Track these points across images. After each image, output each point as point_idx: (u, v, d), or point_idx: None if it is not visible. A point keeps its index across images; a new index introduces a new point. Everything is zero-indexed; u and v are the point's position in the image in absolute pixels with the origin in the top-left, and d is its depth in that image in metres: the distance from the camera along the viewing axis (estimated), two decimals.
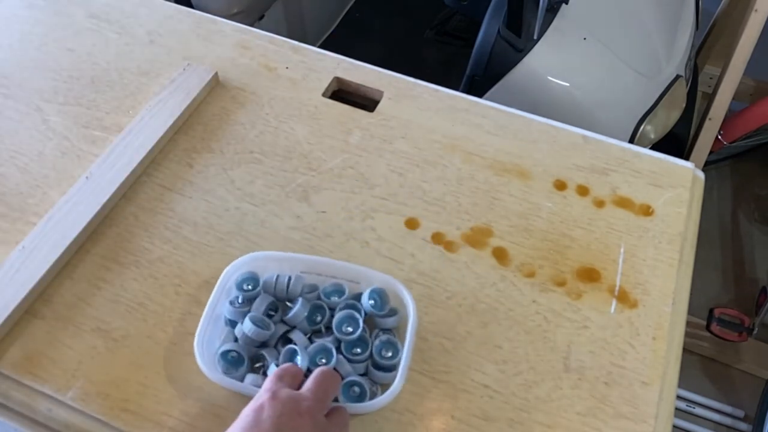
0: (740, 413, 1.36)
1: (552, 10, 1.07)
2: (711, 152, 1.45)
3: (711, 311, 1.38)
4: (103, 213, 0.60)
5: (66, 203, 0.60)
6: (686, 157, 1.30)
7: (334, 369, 0.48)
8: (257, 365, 0.50)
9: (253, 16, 1.41)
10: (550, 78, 1.06)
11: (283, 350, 0.50)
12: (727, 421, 1.35)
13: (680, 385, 0.83)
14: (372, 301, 0.52)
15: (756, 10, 1.18)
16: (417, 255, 0.59)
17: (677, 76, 1.16)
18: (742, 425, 1.34)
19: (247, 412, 0.41)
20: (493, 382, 0.52)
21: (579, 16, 1.09)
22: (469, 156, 0.66)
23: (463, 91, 0.73)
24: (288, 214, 0.62)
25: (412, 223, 0.61)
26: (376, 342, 0.51)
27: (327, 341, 0.50)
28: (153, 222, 0.61)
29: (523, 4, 1.02)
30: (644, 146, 0.80)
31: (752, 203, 1.71)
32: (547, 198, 0.63)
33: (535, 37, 1.05)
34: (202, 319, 0.50)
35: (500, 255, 0.59)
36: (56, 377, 0.51)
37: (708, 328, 1.37)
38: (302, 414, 0.41)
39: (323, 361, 0.49)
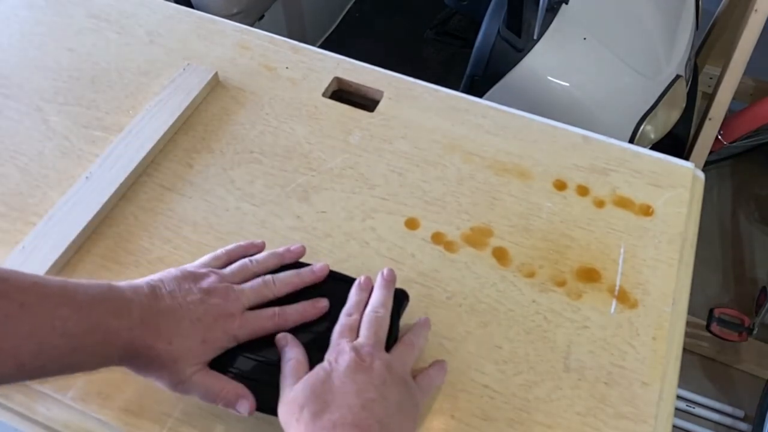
0: (740, 413, 1.36)
1: (552, 10, 1.07)
2: (711, 152, 1.45)
3: (711, 311, 1.38)
4: (103, 213, 0.60)
5: (66, 203, 0.60)
6: (686, 157, 1.30)
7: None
8: None
9: (253, 16, 1.41)
10: (550, 78, 1.06)
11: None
12: (727, 421, 1.35)
13: (680, 385, 0.83)
14: None
15: (756, 10, 1.18)
16: (417, 255, 0.59)
17: (677, 76, 1.16)
18: (742, 425, 1.34)
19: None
20: (493, 382, 0.52)
21: (579, 16, 1.09)
22: (469, 156, 0.66)
23: (463, 91, 0.73)
24: (288, 214, 0.62)
25: (412, 223, 0.61)
26: None
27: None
28: (153, 222, 0.61)
29: (523, 4, 1.02)
30: (644, 146, 0.80)
31: (752, 203, 1.72)
32: (547, 198, 0.63)
33: (535, 37, 1.05)
34: None
35: (500, 255, 0.59)
36: (56, 377, 0.51)
37: (708, 328, 1.37)
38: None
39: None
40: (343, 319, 0.49)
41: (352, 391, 0.42)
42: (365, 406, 0.41)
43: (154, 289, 0.45)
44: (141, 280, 0.46)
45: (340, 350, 0.45)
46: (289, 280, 0.51)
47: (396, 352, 0.48)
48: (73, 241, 0.58)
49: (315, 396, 0.42)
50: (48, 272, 0.56)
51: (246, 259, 0.52)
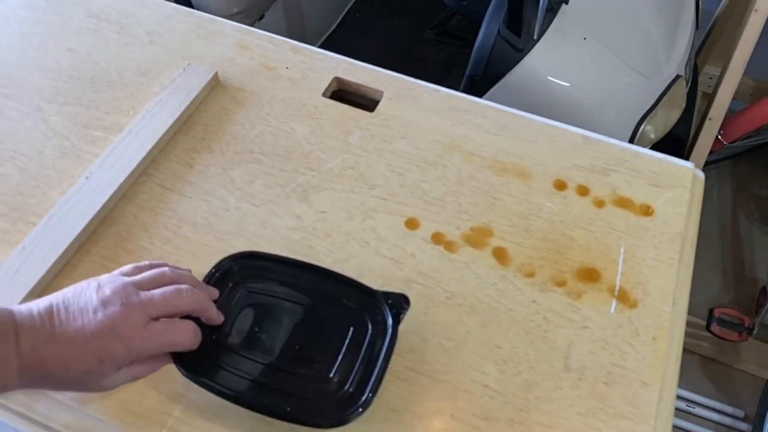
0: (740, 413, 1.36)
1: (552, 10, 1.07)
2: (711, 152, 1.45)
3: (711, 311, 1.38)
4: (103, 213, 0.60)
5: (66, 203, 0.60)
6: (686, 157, 1.30)
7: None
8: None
9: (253, 16, 1.41)
10: (550, 78, 1.06)
11: None
12: (727, 421, 1.35)
13: (680, 385, 0.83)
14: None
15: (756, 10, 1.18)
16: (417, 255, 0.59)
17: (677, 76, 1.16)
18: (742, 425, 1.34)
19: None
20: (493, 382, 0.52)
21: (579, 16, 1.09)
22: (469, 156, 0.66)
23: (463, 91, 0.73)
24: (288, 214, 0.62)
25: (412, 223, 0.61)
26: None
27: None
28: (153, 222, 0.61)
29: (523, 4, 1.02)
30: (644, 146, 0.80)
31: (752, 203, 1.71)
32: (547, 198, 0.63)
33: (535, 37, 1.05)
34: None
35: (500, 255, 0.59)
36: None
37: (708, 328, 1.37)
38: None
39: None
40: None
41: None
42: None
43: (50, 309, 0.42)
44: (44, 298, 0.43)
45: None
46: (205, 296, 0.48)
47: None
48: (73, 241, 0.58)
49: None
50: (48, 272, 0.56)
51: (166, 268, 0.48)
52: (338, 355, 0.49)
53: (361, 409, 0.46)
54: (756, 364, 1.41)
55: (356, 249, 0.59)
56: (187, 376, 0.47)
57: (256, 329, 0.50)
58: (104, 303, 0.42)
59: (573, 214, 0.62)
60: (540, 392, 0.51)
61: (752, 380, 1.40)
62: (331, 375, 0.48)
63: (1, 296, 0.54)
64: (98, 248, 0.59)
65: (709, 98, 1.40)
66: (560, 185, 0.64)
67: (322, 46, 0.96)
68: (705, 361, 1.44)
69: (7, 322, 0.41)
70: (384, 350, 0.49)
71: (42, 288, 0.55)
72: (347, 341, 0.50)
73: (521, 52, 1.05)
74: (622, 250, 0.60)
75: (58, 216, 0.59)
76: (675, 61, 1.18)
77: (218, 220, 0.61)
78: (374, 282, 0.54)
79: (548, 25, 1.06)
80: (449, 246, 0.60)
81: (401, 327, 0.50)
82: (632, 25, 1.16)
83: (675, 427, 0.69)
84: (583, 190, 0.64)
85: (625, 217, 0.62)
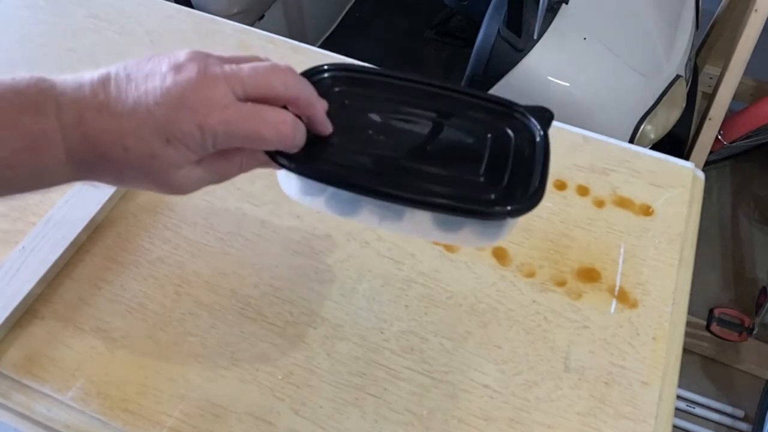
0: (740, 413, 1.36)
1: (552, 10, 1.07)
2: (711, 152, 1.45)
3: (711, 311, 1.38)
4: (103, 213, 0.60)
5: (66, 203, 0.60)
6: (686, 157, 1.30)
7: None
8: None
9: (253, 16, 1.41)
10: (550, 78, 1.06)
11: None
12: (727, 421, 1.36)
13: (680, 385, 0.83)
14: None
15: (756, 10, 1.18)
16: (417, 255, 0.59)
17: (677, 76, 1.16)
18: (742, 425, 1.35)
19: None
20: (493, 382, 0.52)
21: (579, 16, 1.09)
22: None
23: None
24: (288, 214, 0.62)
25: None
26: None
27: None
28: (153, 222, 0.61)
29: (523, 4, 1.02)
30: (644, 146, 0.80)
31: (752, 203, 1.72)
32: (547, 198, 0.63)
33: (535, 37, 1.05)
34: None
35: (500, 255, 0.59)
36: (56, 377, 0.51)
37: (708, 328, 1.37)
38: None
39: None
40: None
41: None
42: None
43: (106, 77, 0.34)
44: (101, 69, 0.35)
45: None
46: (312, 88, 0.37)
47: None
48: (73, 241, 0.58)
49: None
50: (48, 272, 0.56)
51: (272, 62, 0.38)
52: (481, 156, 0.41)
53: (537, 196, 0.39)
54: (756, 364, 1.42)
55: (356, 249, 0.59)
56: (293, 169, 0.38)
57: (371, 134, 0.41)
58: (176, 68, 0.34)
59: (573, 214, 0.62)
60: (540, 392, 0.51)
61: (752, 380, 1.40)
62: (480, 174, 0.40)
63: (1, 296, 0.54)
64: (98, 248, 0.59)
65: (709, 98, 1.40)
66: (560, 185, 0.64)
67: (322, 46, 0.96)
68: (705, 361, 1.44)
69: (45, 90, 0.33)
70: (538, 149, 0.42)
71: (42, 288, 0.55)
72: (488, 145, 0.42)
73: (521, 52, 1.05)
74: (622, 250, 0.60)
75: (58, 216, 0.59)
76: (675, 61, 1.18)
77: (218, 220, 0.61)
78: (374, 282, 0.54)
79: (548, 25, 1.06)
80: (449, 246, 0.60)
81: (401, 326, 0.50)
82: (632, 25, 1.16)
83: (675, 427, 0.69)
84: (583, 190, 0.64)
85: (625, 217, 0.62)
